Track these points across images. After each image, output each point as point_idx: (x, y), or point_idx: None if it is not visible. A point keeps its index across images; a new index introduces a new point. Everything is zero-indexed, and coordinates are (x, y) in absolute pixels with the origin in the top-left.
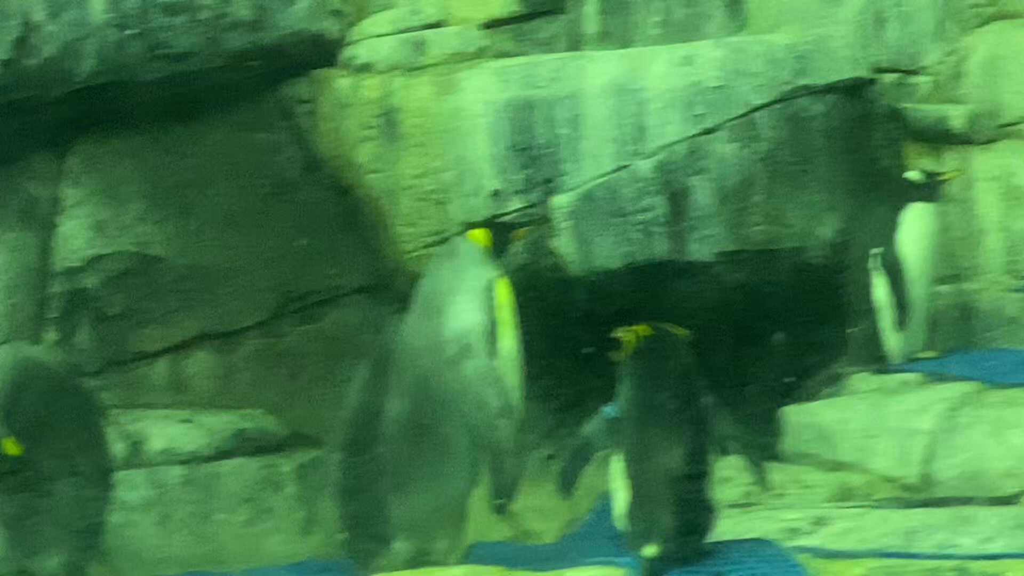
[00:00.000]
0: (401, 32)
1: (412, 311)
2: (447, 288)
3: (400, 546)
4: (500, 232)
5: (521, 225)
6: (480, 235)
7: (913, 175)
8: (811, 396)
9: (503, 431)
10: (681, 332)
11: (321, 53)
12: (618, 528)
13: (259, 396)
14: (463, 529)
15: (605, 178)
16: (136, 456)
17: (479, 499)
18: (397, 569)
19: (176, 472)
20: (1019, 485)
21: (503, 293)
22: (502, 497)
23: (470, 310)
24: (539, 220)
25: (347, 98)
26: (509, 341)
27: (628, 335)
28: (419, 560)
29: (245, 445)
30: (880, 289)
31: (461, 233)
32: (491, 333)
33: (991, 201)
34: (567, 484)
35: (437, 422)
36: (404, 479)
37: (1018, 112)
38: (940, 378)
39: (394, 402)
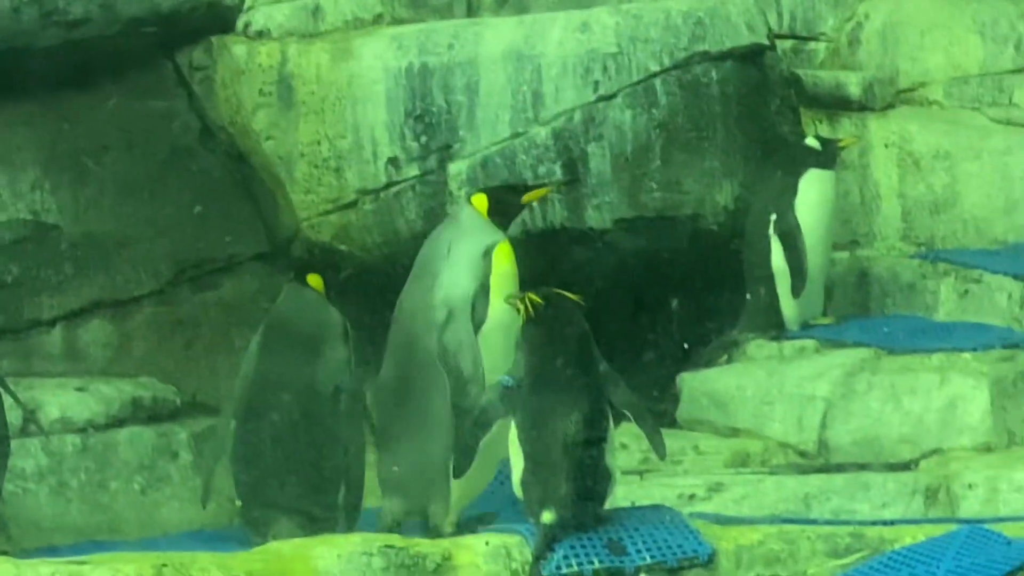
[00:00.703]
0: None
1: (410, 276)
2: (442, 253)
3: (388, 505)
4: (508, 195)
5: (533, 187)
6: (481, 200)
7: (810, 141)
8: (708, 363)
9: (472, 398)
10: (576, 299)
11: (217, 19)
12: (515, 495)
13: (155, 364)
14: (452, 492)
15: (502, 145)
16: (30, 424)
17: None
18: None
19: (71, 441)
20: (914, 451)
21: (502, 260)
22: (460, 463)
23: (461, 276)
24: (567, 181)
25: (243, 65)
26: (500, 307)
27: (522, 303)
28: (408, 521)
29: (140, 413)
30: (777, 256)
31: (462, 197)
32: (479, 300)
33: (888, 168)
34: (466, 454)
35: (420, 385)
36: (390, 439)
37: (914, 78)
38: (836, 344)
39: (385, 364)
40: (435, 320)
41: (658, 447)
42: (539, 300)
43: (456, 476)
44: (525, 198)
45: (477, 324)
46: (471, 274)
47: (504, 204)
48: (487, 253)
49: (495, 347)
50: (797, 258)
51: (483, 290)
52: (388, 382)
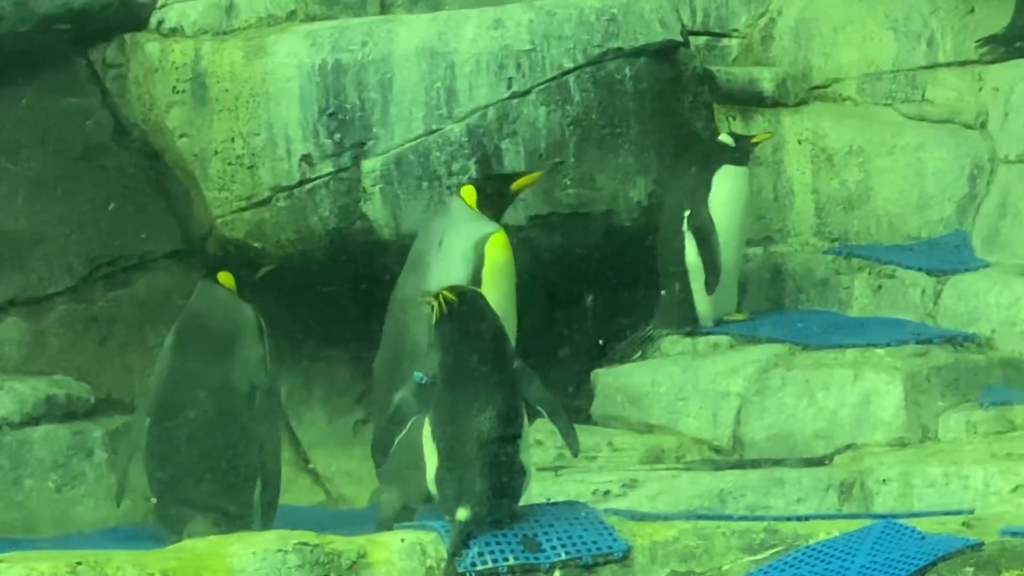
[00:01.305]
0: None
1: (404, 268)
2: (434, 246)
3: (387, 496)
4: (496, 185)
5: (522, 175)
6: (470, 192)
7: (723, 138)
8: (622, 359)
9: None
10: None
11: (130, 17)
12: (430, 492)
13: (69, 362)
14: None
15: (416, 142)
16: None
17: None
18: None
19: None
20: (829, 446)
21: (495, 250)
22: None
23: (452, 268)
24: (556, 164)
25: (156, 62)
26: (491, 299)
27: (435, 299)
28: (405, 514)
29: (55, 411)
30: (691, 252)
31: (449, 190)
32: None
33: (801, 164)
34: (382, 451)
35: (411, 375)
36: None
37: (827, 74)
38: (751, 340)
39: (379, 355)
40: (426, 311)
41: (572, 443)
42: (452, 297)
43: (377, 469)
44: (515, 186)
45: None
46: (462, 266)
47: (493, 194)
48: (478, 245)
49: None
50: (711, 254)
51: (474, 281)
52: (381, 372)
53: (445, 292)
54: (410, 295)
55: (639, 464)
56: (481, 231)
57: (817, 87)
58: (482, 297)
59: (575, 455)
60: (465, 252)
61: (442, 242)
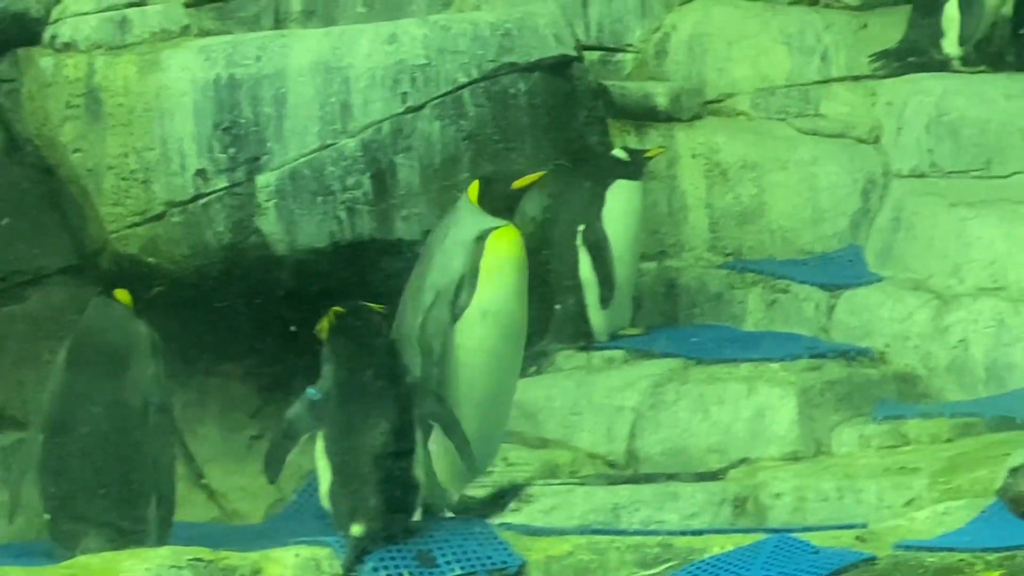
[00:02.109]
0: (104, 11)
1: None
2: (440, 239)
3: None
4: (496, 183)
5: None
6: (474, 188)
7: (618, 152)
8: None
9: (433, 381)
10: (379, 310)
11: (23, 32)
12: (324, 507)
13: None
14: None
15: (310, 156)
16: None
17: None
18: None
19: None
20: (723, 461)
21: (499, 246)
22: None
23: (450, 261)
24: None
25: (50, 77)
26: (488, 293)
27: (327, 315)
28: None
29: None
30: (585, 266)
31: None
32: (466, 285)
33: (695, 178)
34: (273, 466)
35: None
36: None
37: (721, 89)
38: (645, 355)
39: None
40: (423, 303)
41: (468, 458)
42: (344, 312)
43: (269, 482)
44: (516, 184)
45: (461, 309)
46: (460, 259)
47: (492, 192)
48: (479, 239)
49: (472, 333)
50: (605, 269)
51: (471, 275)
52: None
53: (336, 307)
54: (413, 288)
55: (534, 478)
56: (484, 225)
57: (711, 102)
58: (374, 312)
59: (471, 470)
60: (465, 244)
61: (447, 235)
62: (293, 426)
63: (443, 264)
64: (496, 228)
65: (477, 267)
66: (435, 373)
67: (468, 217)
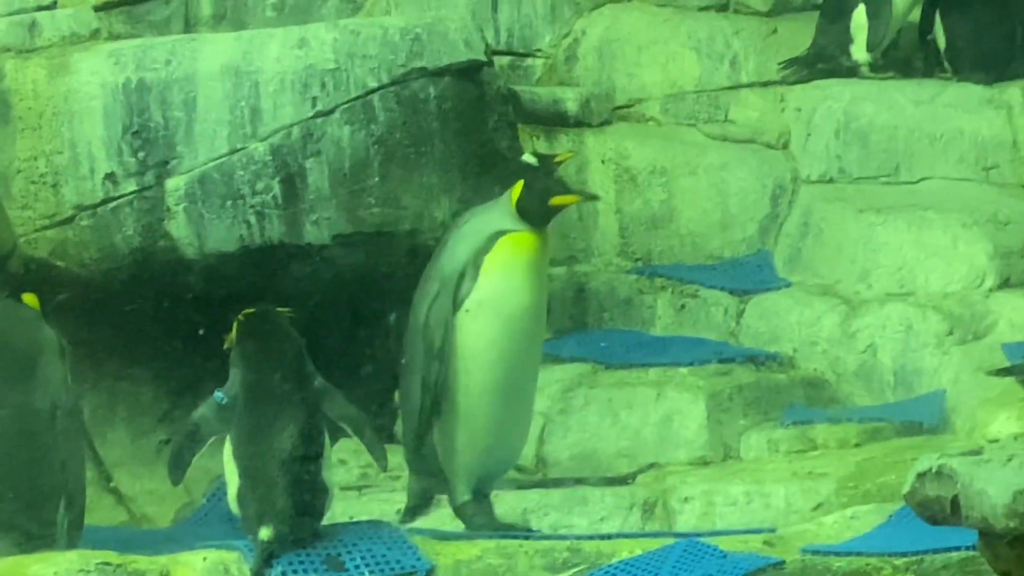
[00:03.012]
0: (14, 14)
1: None
2: (460, 223)
3: (412, 482)
4: (538, 191)
5: (569, 192)
6: (517, 188)
7: (527, 157)
8: None
9: (433, 375)
10: (287, 313)
11: None
12: (233, 511)
13: None
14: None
15: (219, 161)
16: None
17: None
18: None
19: None
20: (632, 465)
21: (508, 245)
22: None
23: (459, 251)
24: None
25: None
26: (488, 285)
27: (235, 319)
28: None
29: None
30: None
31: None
32: (467, 278)
33: (605, 183)
34: (178, 469)
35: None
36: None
37: (631, 94)
38: (554, 359)
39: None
40: (429, 291)
41: (380, 458)
42: (251, 315)
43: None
44: (554, 200)
45: (460, 300)
46: (468, 251)
47: (530, 198)
48: (494, 236)
49: (471, 324)
50: None
51: (474, 268)
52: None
53: (245, 311)
54: (425, 276)
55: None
56: (506, 225)
57: (621, 107)
58: (281, 316)
59: (383, 469)
60: (477, 233)
61: (468, 222)
62: (198, 428)
63: (451, 254)
64: (513, 230)
65: (481, 260)
66: (434, 366)
67: (497, 213)
